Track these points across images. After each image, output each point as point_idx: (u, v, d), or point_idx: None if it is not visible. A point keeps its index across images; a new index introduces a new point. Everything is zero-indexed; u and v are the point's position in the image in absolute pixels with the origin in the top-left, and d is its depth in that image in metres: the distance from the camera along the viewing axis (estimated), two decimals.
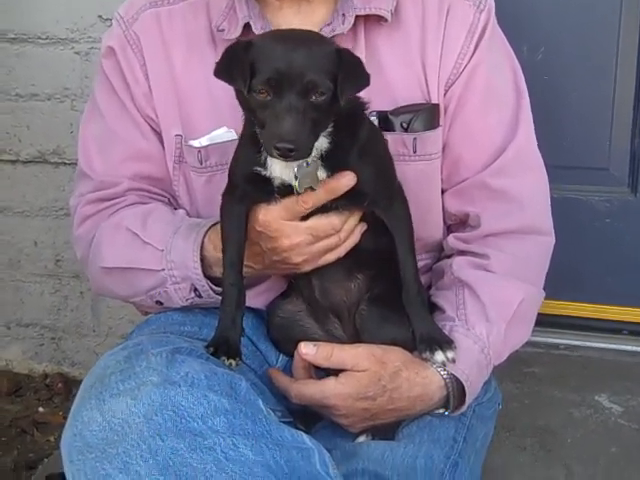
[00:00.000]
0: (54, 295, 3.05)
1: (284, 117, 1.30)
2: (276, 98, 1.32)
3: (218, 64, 1.39)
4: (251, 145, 1.45)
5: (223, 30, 1.66)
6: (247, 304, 1.63)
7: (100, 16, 2.67)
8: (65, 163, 2.83)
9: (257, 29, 1.63)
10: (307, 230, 1.51)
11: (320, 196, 1.46)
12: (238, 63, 1.34)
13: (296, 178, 1.43)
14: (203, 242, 1.60)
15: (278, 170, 1.45)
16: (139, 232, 1.66)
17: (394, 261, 1.53)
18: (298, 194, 1.45)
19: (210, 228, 1.61)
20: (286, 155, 1.31)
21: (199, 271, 1.59)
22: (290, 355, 1.66)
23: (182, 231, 1.63)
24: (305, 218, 1.51)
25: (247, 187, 1.50)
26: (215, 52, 1.69)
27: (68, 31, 2.72)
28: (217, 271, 1.59)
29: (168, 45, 1.72)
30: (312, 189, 1.44)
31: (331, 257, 1.56)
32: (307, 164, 1.42)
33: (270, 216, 1.50)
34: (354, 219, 1.55)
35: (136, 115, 1.74)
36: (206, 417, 1.24)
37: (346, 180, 1.45)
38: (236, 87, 1.38)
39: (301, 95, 1.32)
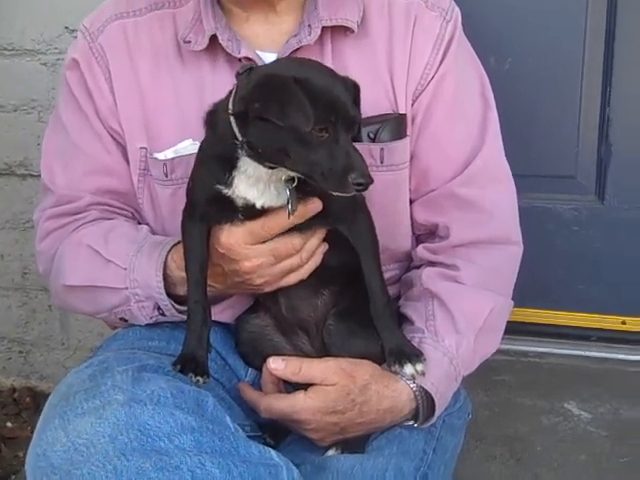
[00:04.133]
0: (22, 308, 3.01)
1: (353, 154, 1.32)
2: (334, 135, 1.32)
3: (260, 101, 1.33)
4: (216, 165, 1.44)
5: (190, 42, 1.65)
6: (216, 318, 1.63)
7: (67, 27, 2.64)
8: (32, 175, 2.79)
9: (224, 40, 1.63)
10: (269, 251, 1.50)
11: (286, 221, 1.46)
12: (294, 100, 1.30)
13: (288, 202, 1.42)
14: (166, 261, 1.59)
15: (243, 190, 1.44)
16: (101, 250, 1.64)
17: (360, 275, 1.52)
18: (290, 215, 1.44)
19: (173, 247, 1.60)
20: (365, 190, 1.32)
21: (162, 290, 1.58)
22: (259, 369, 1.65)
23: (145, 250, 1.62)
24: None
25: (209, 208, 1.48)
26: (182, 64, 1.68)
27: (34, 42, 2.69)
28: (180, 290, 1.59)
29: (134, 57, 1.71)
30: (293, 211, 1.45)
31: (293, 278, 1.56)
32: (292, 185, 1.41)
33: (233, 239, 1.49)
34: (315, 239, 1.54)
35: (99, 128, 1.72)
36: (172, 436, 1.22)
37: (313, 207, 1.46)
38: (288, 125, 1.30)
39: (350, 131, 1.35)
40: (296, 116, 1.29)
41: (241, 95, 1.37)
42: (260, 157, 1.38)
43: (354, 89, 1.41)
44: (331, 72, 1.41)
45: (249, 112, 1.34)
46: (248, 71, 1.42)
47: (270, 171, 1.40)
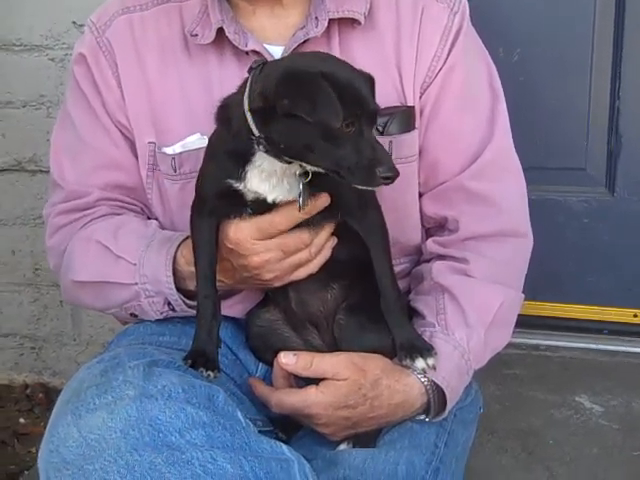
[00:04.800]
0: (33, 304, 3.02)
1: (379, 148, 1.33)
2: (359, 129, 1.33)
3: (289, 98, 1.30)
4: (228, 159, 1.44)
5: (196, 35, 1.65)
6: (226, 313, 1.63)
7: (74, 22, 2.65)
8: (42, 171, 2.80)
9: (230, 33, 1.62)
10: (277, 246, 1.50)
11: (295, 218, 1.47)
12: (324, 96, 1.29)
13: (300, 196, 1.42)
14: (175, 256, 1.59)
15: (255, 184, 1.44)
16: (111, 245, 1.65)
17: (370, 268, 1.52)
18: (300, 209, 1.44)
19: (182, 242, 1.60)
20: (392, 182, 1.33)
21: (172, 285, 1.58)
22: (270, 364, 1.65)
23: (154, 245, 1.62)
24: None
25: (218, 202, 1.48)
26: (189, 58, 1.68)
27: (42, 38, 2.71)
28: (190, 285, 1.59)
29: (141, 51, 1.71)
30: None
31: (302, 273, 1.56)
32: (305, 180, 1.41)
33: (241, 234, 1.49)
34: (324, 234, 1.54)
35: (107, 123, 1.72)
36: (184, 430, 1.23)
37: (321, 202, 1.46)
38: (317, 121, 1.29)
39: (372, 124, 1.36)
40: (326, 112, 1.29)
41: (261, 91, 1.36)
42: (279, 152, 1.37)
43: (370, 82, 1.41)
44: (350, 66, 1.41)
45: (277, 109, 1.32)
46: (261, 66, 1.41)
47: (285, 166, 1.40)
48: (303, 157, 1.36)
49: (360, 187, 1.35)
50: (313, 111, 1.29)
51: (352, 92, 1.33)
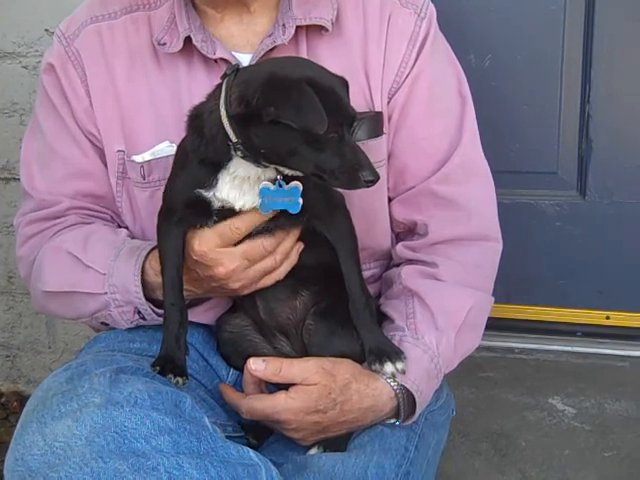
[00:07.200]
0: (8, 312, 3.00)
1: (360, 151, 1.36)
2: (341, 134, 1.35)
3: (275, 105, 1.30)
4: (199, 167, 1.43)
5: (165, 44, 1.65)
6: (196, 320, 1.65)
7: (47, 30, 2.63)
8: (15, 179, 2.79)
9: (198, 41, 1.62)
10: (242, 255, 1.50)
11: (254, 220, 1.47)
12: (310, 103, 1.31)
13: (260, 200, 1.43)
14: (144, 267, 1.59)
15: (226, 192, 1.44)
16: (80, 255, 1.64)
17: (339, 273, 1.52)
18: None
19: (151, 252, 1.60)
20: (373, 185, 1.36)
21: (141, 295, 1.58)
22: (240, 369, 1.64)
23: (123, 255, 1.62)
24: (239, 242, 1.51)
25: (186, 211, 1.48)
26: (158, 66, 1.68)
27: (15, 45, 2.69)
28: (159, 294, 1.58)
29: (110, 60, 1.71)
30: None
31: (269, 281, 1.57)
32: (279, 184, 1.42)
33: (205, 245, 1.49)
34: (289, 241, 1.54)
35: (76, 132, 1.72)
36: (150, 437, 1.23)
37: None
38: (303, 127, 1.31)
39: (350, 128, 1.39)
40: (312, 119, 1.30)
41: (239, 97, 1.35)
42: (258, 157, 1.38)
43: (346, 86, 1.42)
44: (326, 70, 1.42)
45: (262, 116, 1.31)
46: (235, 72, 1.41)
47: (260, 171, 1.41)
48: (285, 162, 1.37)
49: (342, 189, 1.39)
50: (299, 118, 1.30)
51: (334, 98, 1.34)
